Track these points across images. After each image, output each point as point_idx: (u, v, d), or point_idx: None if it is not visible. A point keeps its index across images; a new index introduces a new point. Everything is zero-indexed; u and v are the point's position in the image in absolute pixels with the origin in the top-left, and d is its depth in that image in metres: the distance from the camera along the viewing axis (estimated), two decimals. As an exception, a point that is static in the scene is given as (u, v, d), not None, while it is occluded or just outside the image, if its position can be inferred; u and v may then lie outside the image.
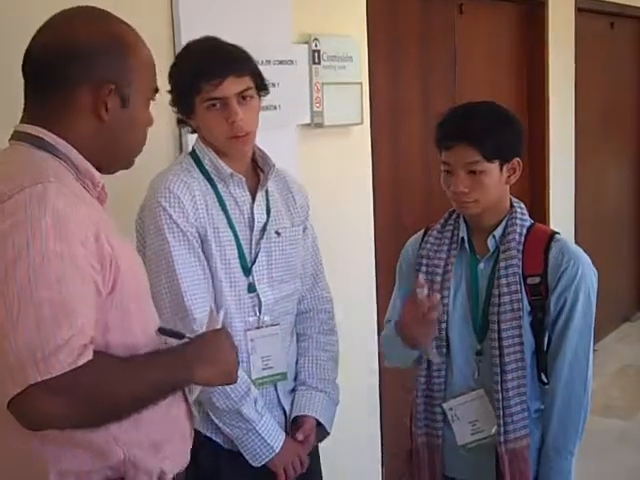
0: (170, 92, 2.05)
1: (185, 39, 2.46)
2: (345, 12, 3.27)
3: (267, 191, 2.18)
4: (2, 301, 1.29)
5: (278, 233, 2.17)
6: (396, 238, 3.47)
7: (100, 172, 1.52)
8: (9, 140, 1.51)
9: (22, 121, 1.51)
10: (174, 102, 2.06)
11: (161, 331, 1.60)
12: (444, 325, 2.17)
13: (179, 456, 1.57)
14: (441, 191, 2.17)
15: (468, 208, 2.13)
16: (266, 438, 2.08)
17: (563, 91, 4.97)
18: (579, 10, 5.12)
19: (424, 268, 2.20)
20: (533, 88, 4.82)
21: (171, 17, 2.53)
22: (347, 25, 3.27)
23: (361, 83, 3.32)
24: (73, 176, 1.46)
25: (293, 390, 2.24)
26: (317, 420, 2.23)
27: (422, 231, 2.30)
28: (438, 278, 2.18)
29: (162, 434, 1.51)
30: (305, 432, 2.19)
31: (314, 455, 2.30)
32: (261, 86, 2.09)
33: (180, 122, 2.13)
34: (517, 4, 4.71)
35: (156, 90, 1.58)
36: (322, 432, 2.27)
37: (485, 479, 2.18)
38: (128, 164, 1.59)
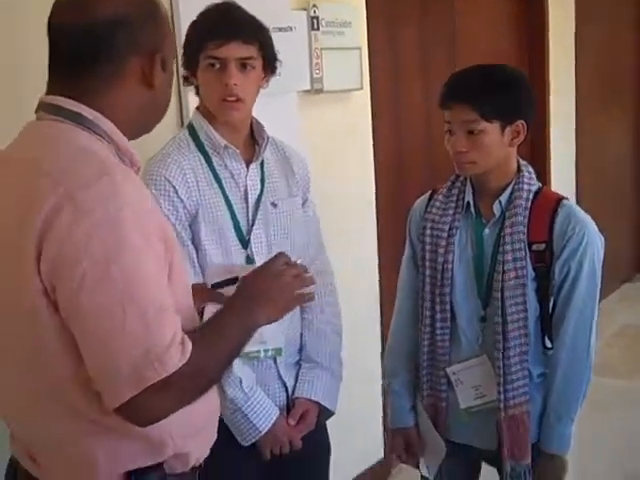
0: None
1: (183, 6, 2.48)
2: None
3: (263, 163, 2.17)
4: (102, 306, 1.26)
5: (274, 204, 2.17)
6: (398, 204, 3.51)
7: None
8: (39, 111, 1.45)
9: (51, 92, 1.45)
10: (183, 57, 2.07)
11: (216, 286, 1.63)
12: (447, 290, 2.17)
13: (209, 442, 1.58)
14: (443, 155, 2.16)
15: (466, 169, 2.13)
16: (252, 419, 2.08)
17: (563, 56, 4.97)
18: None
19: (428, 231, 2.20)
20: (533, 51, 4.82)
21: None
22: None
23: (360, 48, 3.32)
24: (114, 155, 1.42)
25: (297, 363, 2.23)
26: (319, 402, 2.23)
27: (429, 193, 2.30)
28: (442, 242, 2.18)
29: (203, 421, 1.52)
30: (295, 417, 2.18)
31: (322, 431, 2.31)
32: (269, 62, 2.09)
33: (185, 79, 2.12)
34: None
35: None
36: (327, 413, 2.27)
37: (486, 443, 2.21)
38: (151, 126, 1.55)
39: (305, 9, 2.99)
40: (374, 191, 3.51)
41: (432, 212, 2.23)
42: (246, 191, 2.12)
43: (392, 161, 3.76)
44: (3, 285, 1.35)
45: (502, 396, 2.11)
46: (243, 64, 2.02)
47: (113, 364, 1.26)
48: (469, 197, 2.18)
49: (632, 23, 6.37)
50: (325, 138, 3.13)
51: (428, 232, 2.21)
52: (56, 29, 1.44)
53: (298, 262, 1.59)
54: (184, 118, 2.55)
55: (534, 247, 2.11)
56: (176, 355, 1.28)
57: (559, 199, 2.15)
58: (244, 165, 2.12)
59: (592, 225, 2.13)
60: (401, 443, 2.32)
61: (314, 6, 3.01)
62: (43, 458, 1.42)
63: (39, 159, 1.35)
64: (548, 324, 2.16)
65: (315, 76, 3.05)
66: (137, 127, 1.50)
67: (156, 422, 1.33)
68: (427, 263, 2.20)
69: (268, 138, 2.15)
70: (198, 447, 1.51)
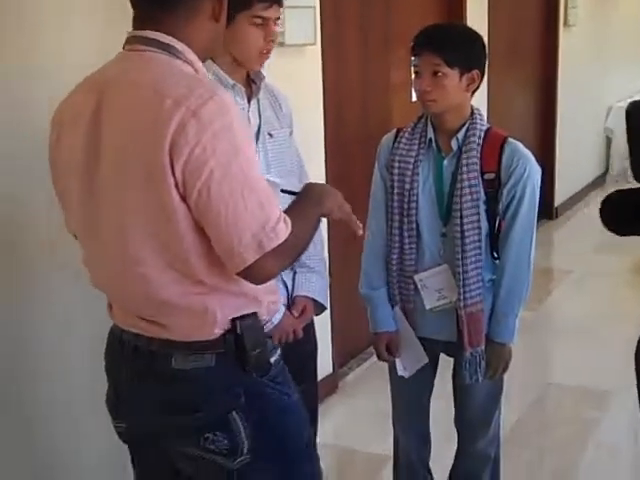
0: None
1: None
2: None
3: (258, 100, 2.43)
4: (228, 193, 1.56)
5: (270, 135, 2.42)
6: (340, 134, 3.94)
7: None
8: (131, 42, 1.70)
9: (139, 27, 1.70)
10: None
11: (284, 191, 1.98)
12: (414, 212, 2.49)
13: (278, 302, 1.97)
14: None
15: (429, 106, 2.44)
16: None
17: (478, 18, 5.25)
18: None
19: (397, 164, 2.52)
20: (452, 11, 5.11)
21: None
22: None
23: (314, 7, 3.62)
24: None
25: (292, 268, 2.53)
26: (314, 299, 2.57)
27: (394, 131, 2.60)
28: (409, 172, 2.49)
29: (275, 284, 1.89)
30: (298, 310, 2.53)
31: (311, 326, 2.67)
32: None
33: None
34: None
35: None
36: (320, 307, 2.62)
37: (447, 336, 2.57)
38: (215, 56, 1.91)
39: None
40: (323, 125, 3.85)
41: (399, 147, 2.53)
42: (250, 123, 2.38)
43: (335, 100, 4.02)
44: (144, 185, 1.60)
45: (462, 297, 2.46)
46: (275, 22, 2.33)
47: (239, 237, 1.58)
48: (431, 134, 2.50)
49: None
50: (286, 84, 3.47)
51: (396, 164, 2.52)
52: None
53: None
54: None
55: (485, 176, 2.44)
56: (283, 228, 1.62)
57: (505, 137, 2.49)
58: (246, 100, 2.37)
59: (532, 158, 2.48)
60: (383, 345, 2.64)
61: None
62: (164, 317, 1.72)
63: (157, 83, 1.60)
64: (495, 239, 2.52)
65: (280, 30, 3.38)
66: (206, 55, 1.78)
67: (267, 281, 1.70)
68: (395, 190, 2.52)
69: (264, 77, 2.43)
70: (274, 304, 1.88)
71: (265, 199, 1.62)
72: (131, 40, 1.72)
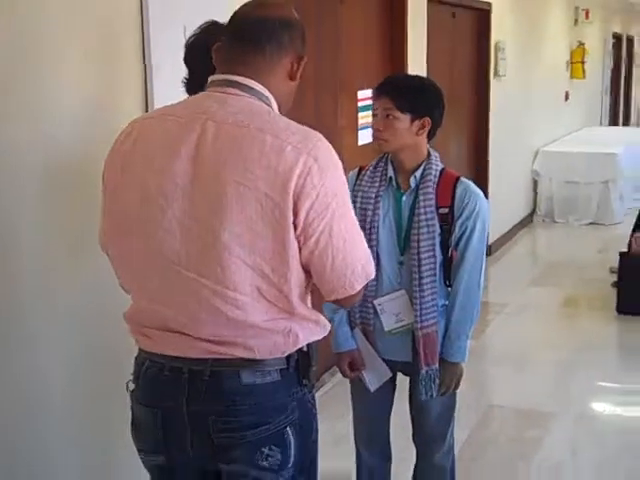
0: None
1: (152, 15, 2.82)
2: None
3: None
4: (346, 230, 1.75)
5: None
6: None
7: None
8: (221, 85, 1.78)
9: (226, 71, 1.79)
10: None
11: None
12: (374, 243, 2.67)
13: None
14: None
15: (381, 144, 2.67)
16: None
17: (418, 68, 5.51)
18: (429, 1, 5.74)
19: (359, 199, 2.70)
20: (396, 66, 5.36)
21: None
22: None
23: None
24: None
25: None
26: None
27: (357, 169, 2.80)
28: (370, 207, 2.69)
29: None
30: None
31: None
32: None
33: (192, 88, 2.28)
34: (383, -5, 5.24)
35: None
36: None
37: (404, 356, 2.76)
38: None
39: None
40: None
41: (362, 184, 2.74)
42: None
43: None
44: (257, 222, 1.69)
45: (419, 319, 2.66)
46: None
47: (353, 268, 1.78)
48: (391, 173, 2.71)
49: (469, 44, 7.17)
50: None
51: (359, 200, 2.70)
52: (241, 19, 1.82)
53: None
54: (148, 103, 2.88)
55: (440, 210, 2.65)
56: (372, 260, 1.88)
57: (458, 176, 2.72)
58: None
59: (482, 195, 2.72)
60: (346, 363, 2.81)
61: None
62: (245, 339, 1.78)
63: (268, 127, 1.70)
64: (448, 268, 2.73)
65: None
66: (279, 109, 1.85)
67: (355, 304, 1.97)
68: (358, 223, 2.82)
69: None
70: None
71: (361, 234, 1.86)
72: (219, 83, 1.81)
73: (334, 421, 4.01)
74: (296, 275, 1.76)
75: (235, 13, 1.85)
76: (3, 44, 2.34)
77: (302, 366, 1.88)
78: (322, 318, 1.92)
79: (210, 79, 1.84)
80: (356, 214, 2.60)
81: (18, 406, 2.50)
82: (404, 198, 2.73)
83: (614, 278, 6.37)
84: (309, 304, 1.89)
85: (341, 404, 3.98)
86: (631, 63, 17.48)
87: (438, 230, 2.68)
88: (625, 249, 6.23)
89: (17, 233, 2.48)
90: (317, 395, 4.30)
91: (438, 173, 2.72)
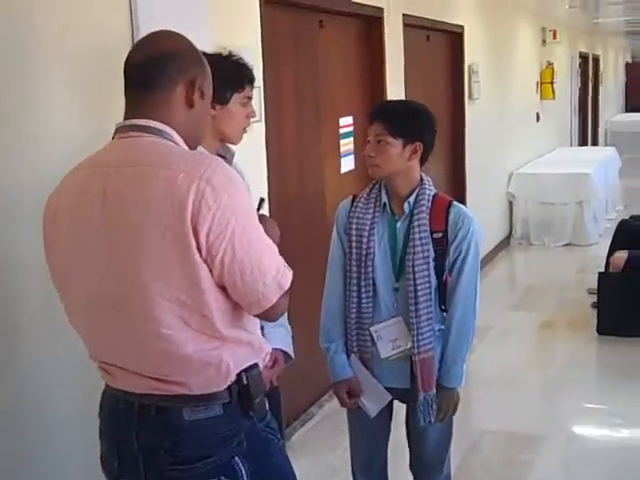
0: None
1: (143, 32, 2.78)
2: (243, 26, 3.82)
3: None
4: (249, 244, 1.77)
5: None
6: (283, 218, 4.03)
7: None
8: (122, 132, 1.85)
9: (129, 117, 1.86)
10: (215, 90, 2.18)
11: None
12: (370, 269, 2.69)
13: None
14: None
15: (374, 170, 2.68)
16: None
17: (396, 92, 5.58)
18: (405, 25, 5.79)
19: (354, 226, 2.72)
20: (375, 89, 5.41)
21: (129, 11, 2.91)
22: (248, 38, 3.82)
23: (260, 87, 3.83)
24: None
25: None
26: (283, 350, 2.63)
27: (351, 197, 2.81)
28: (365, 234, 2.70)
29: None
30: (271, 361, 2.54)
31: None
32: None
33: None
34: (362, 20, 5.28)
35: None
36: (288, 358, 2.70)
37: (401, 383, 2.75)
38: (197, 145, 1.98)
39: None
40: (267, 194, 3.98)
41: (356, 212, 2.74)
42: None
43: (278, 172, 4.19)
44: (165, 252, 1.74)
45: (416, 344, 2.66)
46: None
47: (263, 281, 1.80)
48: (385, 199, 2.72)
49: (443, 65, 7.24)
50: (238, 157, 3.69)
51: (354, 227, 2.72)
52: (128, 65, 1.89)
53: None
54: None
55: (434, 235, 2.66)
56: (287, 271, 1.87)
57: (450, 201, 2.74)
58: None
59: (474, 219, 2.72)
60: (344, 391, 2.79)
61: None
62: (181, 375, 1.83)
63: (163, 160, 1.77)
64: (443, 292, 2.73)
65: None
66: (188, 140, 1.90)
67: (280, 317, 1.93)
68: (354, 250, 2.72)
69: (234, 154, 2.60)
70: (266, 354, 2.03)
71: (272, 247, 1.87)
72: (123, 129, 1.88)
73: (326, 454, 3.99)
74: (214, 297, 1.79)
75: (126, 58, 1.91)
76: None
77: (244, 399, 1.91)
78: (257, 340, 1.96)
79: (115, 126, 1.91)
80: (352, 242, 2.75)
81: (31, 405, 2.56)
82: (398, 224, 2.74)
83: (593, 299, 6.41)
84: (247, 326, 1.91)
85: (331, 436, 4.04)
86: (597, 82, 17.73)
87: (433, 255, 2.69)
88: (602, 269, 6.26)
89: (17, 247, 2.51)
90: (306, 427, 4.43)
91: (431, 198, 2.73)
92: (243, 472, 1.91)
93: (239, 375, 1.90)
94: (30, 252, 2.51)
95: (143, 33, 2.81)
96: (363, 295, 2.74)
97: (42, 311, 2.58)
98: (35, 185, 2.49)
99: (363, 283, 2.73)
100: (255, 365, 1.94)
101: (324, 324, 2.86)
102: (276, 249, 1.89)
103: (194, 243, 1.73)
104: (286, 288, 1.86)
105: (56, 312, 2.38)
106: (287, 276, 1.87)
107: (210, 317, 1.81)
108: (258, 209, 2.14)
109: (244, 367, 1.91)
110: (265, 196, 3.97)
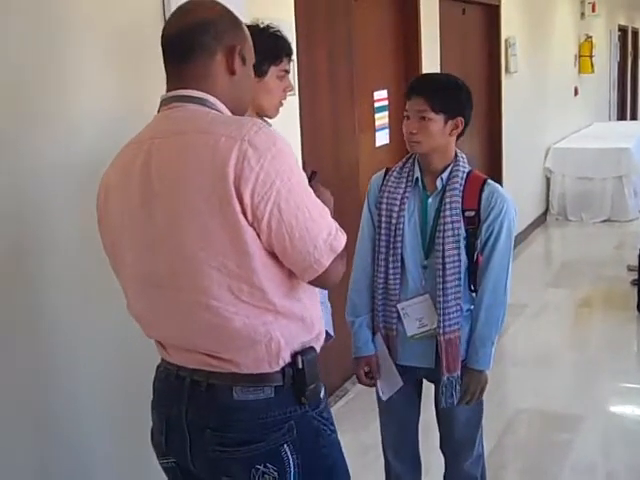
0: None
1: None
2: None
3: None
4: (296, 207, 1.70)
5: None
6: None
7: None
8: (168, 103, 1.82)
9: (171, 89, 1.84)
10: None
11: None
12: (399, 245, 2.65)
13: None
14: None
15: (414, 147, 2.62)
16: None
17: (431, 66, 5.53)
18: None
19: (385, 200, 2.68)
20: (409, 62, 5.36)
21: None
22: (282, 10, 3.80)
23: (294, 60, 3.71)
24: None
25: None
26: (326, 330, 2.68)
27: (383, 171, 2.76)
28: (396, 208, 2.65)
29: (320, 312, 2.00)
30: None
31: None
32: None
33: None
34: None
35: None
36: (329, 336, 2.57)
37: (427, 362, 2.71)
38: (244, 112, 1.93)
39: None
40: (300, 158, 3.99)
41: (388, 185, 2.70)
42: None
43: (311, 144, 4.16)
44: (209, 219, 1.69)
45: (442, 324, 2.60)
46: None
47: (314, 244, 1.72)
48: (417, 174, 2.66)
49: (478, 39, 7.16)
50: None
51: (385, 201, 2.68)
52: (165, 38, 1.85)
53: None
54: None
55: (466, 213, 2.60)
56: (340, 233, 1.79)
57: (485, 179, 2.66)
58: None
59: (509, 198, 2.64)
60: (362, 369, 2.76)
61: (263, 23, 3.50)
62: (229, 352, 1.79)
63: (205, 126, 1.73)
64: (473, 272, 2.67)
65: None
66: (233, 108, 1.87)
67: (336, 284, 1.83)
68: (383, 225, 2.67)
69: (271, 126, 2.57)
70: (322, 335, 1.95)
71: (322, 209, 1.79)
72: (166, 101, 1.85)
73: (359, 431, 3.96)
74: (262, 263, 1.74)
75: (162, 31, 1.88)
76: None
77: (298, 384, 1.85)
78: (310, 316, 1.88)
79: (160, 99, 1.89)
80: (381, 216, 2.70)
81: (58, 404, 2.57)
82: (430, 200, 2.68)
83: (633, 276, 6.30)
84: (304, 298, 1.85)
85: (364, 413, 3.99)
86: (637, 56, 17.39)
87: (464, 234, 2.64)
88: (643, 246, 6.16)
89: (50, 227, 2.51)
90: (339, 405, 4.41)
91: (465, 175, 2.67)
92: (291, 462, 1.85)
93: (294, 357, 1.84)
94: (62, 233, 2.51)
95: (174, 6, 2.84)
96: (391, 271, 2.69)
97: (77, 292, 2.58)
98: (67, 162, 2.51)
99: (391, 259, 2.69)
100: (313, 349, 1.88)
101: (351, 298, 2.82)
102: (328, 211, 1.81)
103: (238, 206, 1.67)
104: (339, 251, 1.78)
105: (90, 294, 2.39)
106: (340, 239, 1.79)
107: (260, 286, 1.75)
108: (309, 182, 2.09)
109: (297, 347, 1.85)
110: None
